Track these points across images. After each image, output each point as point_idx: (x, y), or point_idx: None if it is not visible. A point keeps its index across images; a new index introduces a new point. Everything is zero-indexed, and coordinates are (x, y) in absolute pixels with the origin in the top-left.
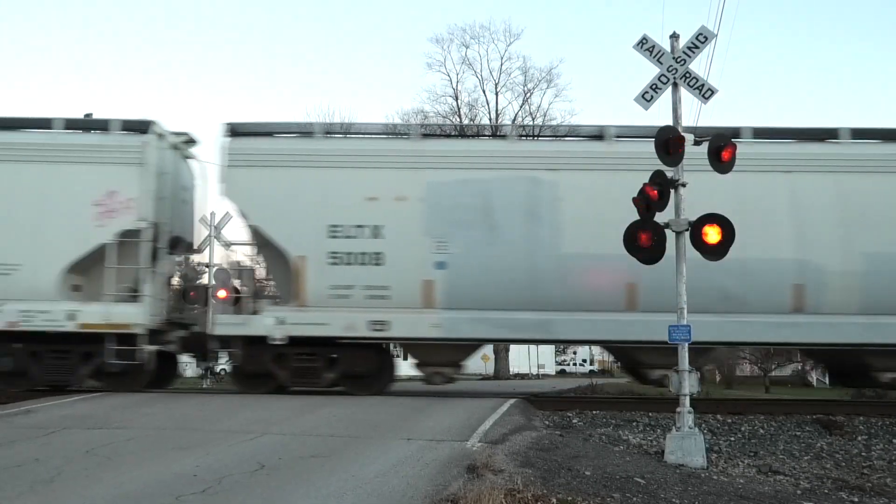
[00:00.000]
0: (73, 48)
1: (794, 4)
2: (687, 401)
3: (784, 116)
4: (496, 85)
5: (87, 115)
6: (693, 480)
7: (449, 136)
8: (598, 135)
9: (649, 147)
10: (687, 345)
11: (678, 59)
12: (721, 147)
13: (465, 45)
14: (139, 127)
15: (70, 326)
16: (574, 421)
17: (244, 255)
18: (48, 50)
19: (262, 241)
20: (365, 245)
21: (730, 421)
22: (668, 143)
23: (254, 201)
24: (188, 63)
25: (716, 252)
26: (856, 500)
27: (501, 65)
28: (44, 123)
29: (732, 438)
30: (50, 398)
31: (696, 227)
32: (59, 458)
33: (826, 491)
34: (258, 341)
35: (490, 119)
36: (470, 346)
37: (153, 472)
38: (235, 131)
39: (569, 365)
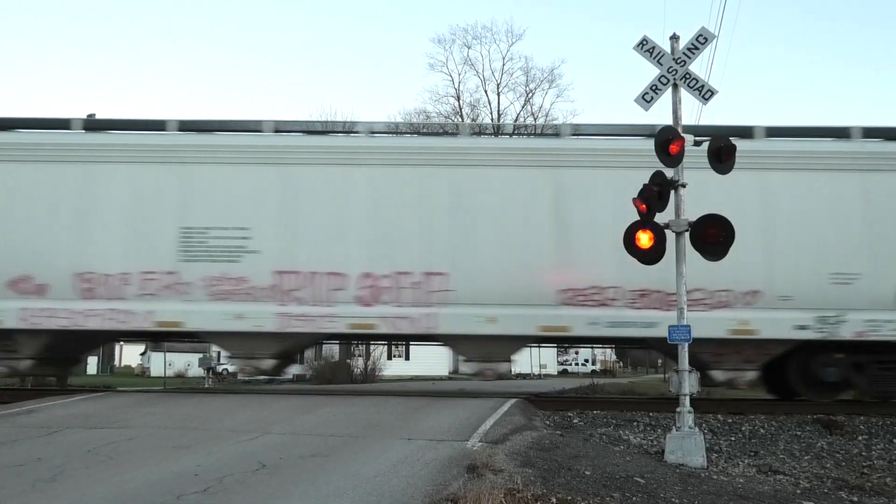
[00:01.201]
0: (71, 48)
1: (795, 4)
2: (687, 400)
3: (784, 117)
4: (498, 85)
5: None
6: (693, 480)
7: None
8: None
9: None
10: (687, 345)
11: (678, 61)
12: (721, 148)
13: (467, 45)
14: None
15: None
16: (574, 421)
17: None
18: (46, 49)
19: None
20: None
21: (730, 421)
22: (668, 143)
23: None
24: (187, 62)
25: (716, 252)
26: (855, 499)
27: (503, 65)
28: (747, 132)
29: (733, 438)
30: (53, 398)
31: (695, 228)
32: (61, 457)
33: (826, 490)
34: None
35: (491, 119)
36: None
37: (155, 472)
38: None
39: (571, 365)
